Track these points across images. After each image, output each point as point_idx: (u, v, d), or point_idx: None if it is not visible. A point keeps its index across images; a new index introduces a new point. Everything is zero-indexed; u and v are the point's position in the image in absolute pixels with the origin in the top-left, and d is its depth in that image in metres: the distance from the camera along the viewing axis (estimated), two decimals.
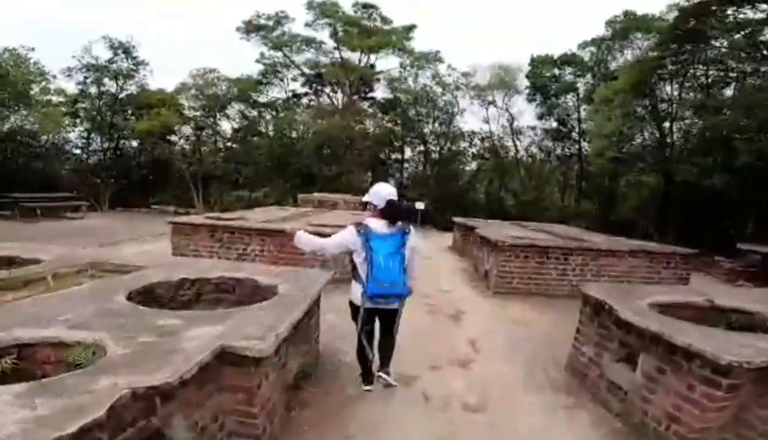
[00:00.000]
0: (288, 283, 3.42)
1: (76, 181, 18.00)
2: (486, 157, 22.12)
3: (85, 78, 18.03)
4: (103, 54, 18.13)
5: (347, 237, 3.17)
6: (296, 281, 3.53)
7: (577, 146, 20.77)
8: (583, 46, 20.23)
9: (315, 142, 18.44)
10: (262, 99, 20.88)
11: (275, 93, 21.38)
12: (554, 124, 20.86)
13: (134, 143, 19.77)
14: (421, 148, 22.23)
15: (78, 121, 18.48)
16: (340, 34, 19.74)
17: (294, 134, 19.97)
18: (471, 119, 21.66)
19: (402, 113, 21.02)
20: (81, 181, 18.11)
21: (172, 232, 7.25)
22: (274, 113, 20.48)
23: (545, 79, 20.49)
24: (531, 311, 6.18)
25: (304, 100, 21.66)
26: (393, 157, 22.55)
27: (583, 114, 20.30)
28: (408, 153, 22.54)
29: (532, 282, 6.96)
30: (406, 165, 22.73)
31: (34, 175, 16.93)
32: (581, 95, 20.31)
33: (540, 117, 20.97)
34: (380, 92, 22.46)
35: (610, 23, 18.71)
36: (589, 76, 20.25)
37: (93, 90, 18.37)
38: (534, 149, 22.05)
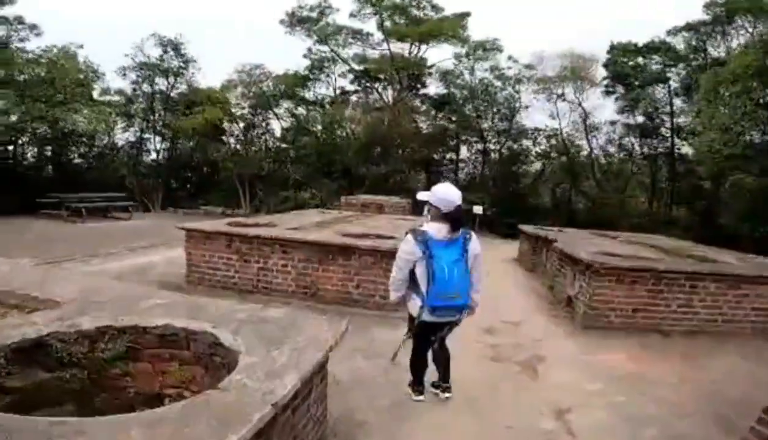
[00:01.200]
0: (267, 346, 2.01)
1: (130, 181, 18.07)
2: (553, 157, 19.70)
3: (138, 77, 18.12)
4: (153, 52, 18.13)
5: (408, 251, 2.86)
6: (283, 339, 2.11)
7: (667, 143, 17.79)
8: (674, 32, 17.31)
9: (363, 141, 17.24)
10: (310, 96, 20.06)
11: (323, 90, 20.54)
12: (639, 119, 18.01)
13: (189, 143, 19.71)
14: (479, 146, 20.27)
15: (132, 120, 18.59)
16: (387, 23, 18.37)
17: (342, 133, 18.93)
18: (536, 115, 19.77)
19: (457, 109, 19.23)
20: (134, 181, 18.15)
21: (186, 241, 6.19)
22: (321, 111, 19.53)
23: (628, 69, 17.78)
24: (643, 359, 4.37)
25: (353, 98, 20.57)
26: (448, 156, 20.81)
27: (676, 107, 17.37)
28: (464, 152, 20.69)
29: (639, 315, 5.08)
30: (461, 165, 20.90)
31: (88, 175, 17.31)
32: (673, 86, 17.40)
33: (621, 111, 18.22)
34: (433, 88, 20.83)
35: (709, 6, 15.77)
36: (681, 65, 17.32)
37: (146, 88, 18.42)
38: (612, 148, 19.27)
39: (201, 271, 6.17)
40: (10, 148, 16.02)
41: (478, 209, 14.33)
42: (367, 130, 17.46)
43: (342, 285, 5.53)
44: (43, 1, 16.77)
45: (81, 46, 15.64)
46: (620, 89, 18.05)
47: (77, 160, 18.10)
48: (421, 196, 3.06)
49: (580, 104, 18.73)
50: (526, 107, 19.32)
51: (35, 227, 11.57)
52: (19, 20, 14.34)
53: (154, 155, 19.69)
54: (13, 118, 14.41)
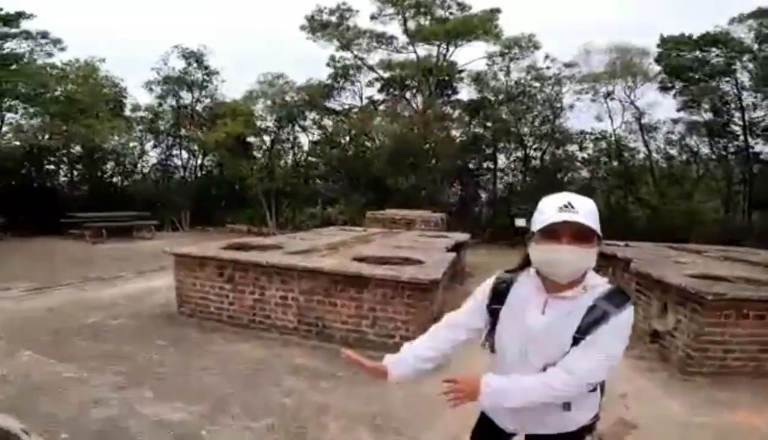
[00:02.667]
0: None
1: (156, 198, 17.89)
2: (603, 161, 17.81)
3: (163, 91, 17.81)
4: (177, 64, 17.83)
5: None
6: None
7: (738, 142, 15.58)
8: (739, 20, 15.29)
9: (390, 151, 16.17)
10: (336, 106, 19.26)
11: (349, 99, 19.70)
12: (706, 116, 15.90)
13: (214, 159, 19.39)
14: (518, 153, 18.70)
15: (160, 137, 18.40)
16: (411, 24, 17.33)
17: (370, 144, 18.00)
18: (580, 117, 18.02)
19: (492, 114, 17.83)
20: (161, 198, 17.95)
21: (175, 267, 5.28)
22: (345, 121, 18.67)
23: (686, 62, 15.83)
24: None
25: (381, 107, 19.58)
26: (484, 165, 19.35)
27: (746, 101, 15.22)
28: (502, 160, 19.16)
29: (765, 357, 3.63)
30: (499, 174, 19.36)
31: (120, 194, 17.23)
32: (740, 80, 15.30)
33: (682, 107, 16.18)
34: (465, 93, 19.51)
35: None
36: (746, 56, 15.24)
37: (171, 102, 18.08)
38: (672, 149, 17.13)
39: (193, 302, 5.23)
40: (50, 166, 16.04)
41: (520, 222, 12.89)
42: (395, 139, 16.39)
43: (354, 323, 4.38)
44: (59, 14, 16.66)
45: (103, 60, 15.63)
46: (679, 85, 16.07)
47: (110, 178, 18.17)
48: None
49: (632, 102, 16.85)
50: (571, 107, 17.62)
51: (55, 248, 11.27)
52: (43, 34, 14.12)
53: (181, 172, 19.44)
54: (44, 137, 14.50)
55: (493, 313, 1.49)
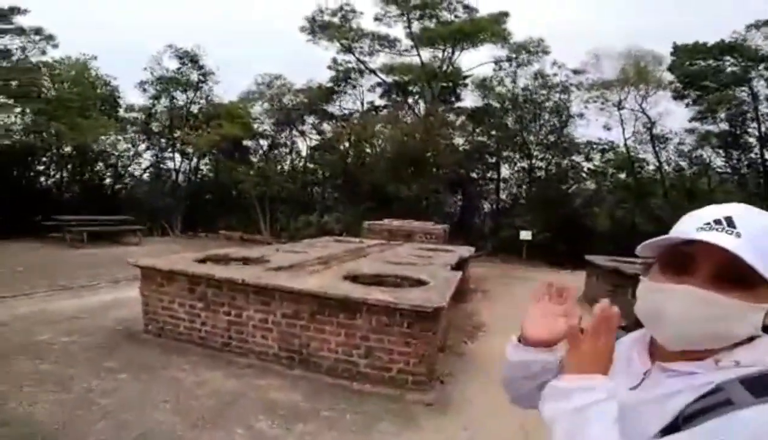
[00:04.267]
0: None
1: (148, 202, 17.27)
2: (610, 173, 17.22)
3: (157, 91, 17.27)
4: (170, 64, 17.33)
5: None
6: None
7: (752, 154, 15.00)
8: (756, 26, 14.81)
9: (391, 158, 15.59)
10: (336, 110, 18.72)
11: (350, 104, 19.18)
12: (721, 126, 15.32)
13: (206, 162, 18.84)
14: (523, 164, 18.10)
15: (153, 139, 17.84)
16: (415, 27, 16.85)
17: (371, 150, 17.43)
18: (587, 127, 17.43)
19: (497, 122, 17.28)
20: (153, 202, 17.31)
21: (141, 281, 4.64)
22: (345, 126, 18.12)
23: (700, 70, 15.32)
24: None
25: (384, 112, 19.04)
26: (488, 175, 18.76)
27: (762, 112, 14.67)
28: (505, 171, 18.58)
29: None
30: (502, 185, 18.77)
31: (111, 197, 16.60)
32: (756, 89, 14.78)
33: (696, 118, 15.61)
34: (469, 100, 19.02)
35: None
36: (762, 65, 14.75)
37: (165, 103, 17.56)
38: (683, 162, 16.50)
39: (161, 319, 4.58)
40: (39, 167, 15.47)
41: (526, 234, 12.26)
42: (397, 145, 15.82)
43: (343, 352, 3.72)
44: (48, 7, 15.85)
45: (95, 58, 15.10)
46: (692, 94, 15.53)
47: (101, 180, 17.50)
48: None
49: (643, 111, 16.27)
50: (581, 115, 17.05)
51: (31, 252, 10.57)
52: (36, 31, 13.56)
53: (174, 175, 18.82)
54: (32, 136, 13.91)
55: None
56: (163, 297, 4.47)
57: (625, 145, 16.53)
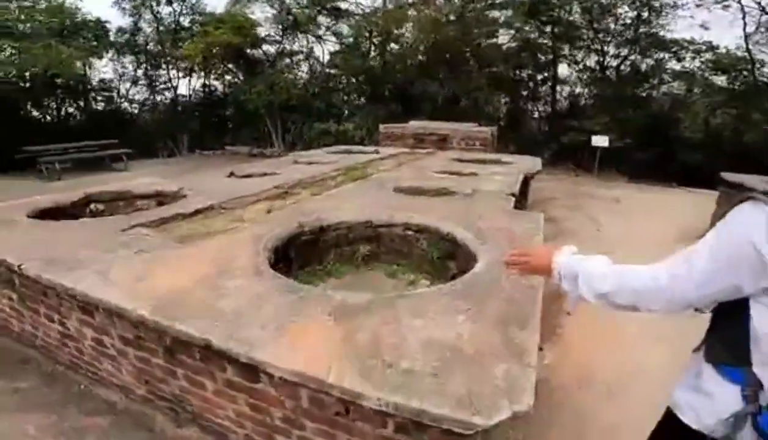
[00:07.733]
0: None
1: (149, 124, 15.86)
2: (704, 76, 13.26)
3: (135, 7, 15.07)
4: None
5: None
6: None
7: None
8: None
9: (422, 50, 12.55)
10: (350, 6, 15.31)
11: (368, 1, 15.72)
12: None
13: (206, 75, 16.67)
14: (589, 62, 14.44)
15: (140, 56, 15.97)
16: None
17: (396, 45, 14.43)
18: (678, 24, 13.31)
19: (556, 17, 13.46)
20: (153, 124, 15.82)
21: None
22: (366, 25, 14.88)
23: None
24: None
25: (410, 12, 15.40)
26: (540, 77, 15.25)
27: None
28: (562, 70, 15.01)
29: None
30: (559, 87, 15.25)
31: (107, 123, 14.87)
32: None
33: None
34: None
35: None
36: None
37: (149, 18, 15.41)
38: None
39: None
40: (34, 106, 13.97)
41: (601, 140, 9.29)
42: (429, 31, 12.56)
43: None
44: None
45: None
46: None
47: (97, 108, 16.00)
48: None
49: (759, 3, 11.74)
50: (672, 6, 12.78)
51: None
52: None
53: (174, 93, 16.89)
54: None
55: None
56: None
57: (746, 38, 12.16)
